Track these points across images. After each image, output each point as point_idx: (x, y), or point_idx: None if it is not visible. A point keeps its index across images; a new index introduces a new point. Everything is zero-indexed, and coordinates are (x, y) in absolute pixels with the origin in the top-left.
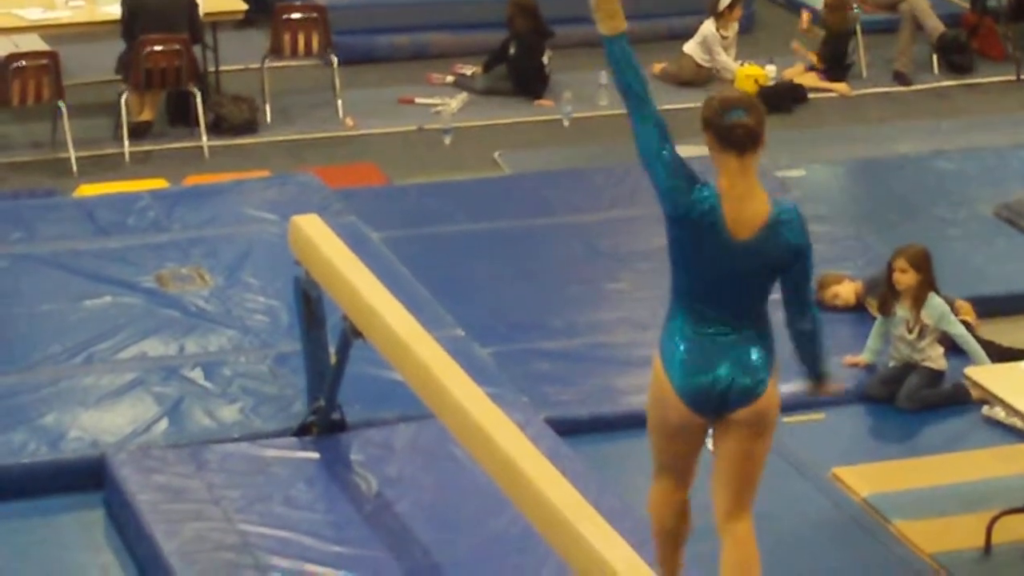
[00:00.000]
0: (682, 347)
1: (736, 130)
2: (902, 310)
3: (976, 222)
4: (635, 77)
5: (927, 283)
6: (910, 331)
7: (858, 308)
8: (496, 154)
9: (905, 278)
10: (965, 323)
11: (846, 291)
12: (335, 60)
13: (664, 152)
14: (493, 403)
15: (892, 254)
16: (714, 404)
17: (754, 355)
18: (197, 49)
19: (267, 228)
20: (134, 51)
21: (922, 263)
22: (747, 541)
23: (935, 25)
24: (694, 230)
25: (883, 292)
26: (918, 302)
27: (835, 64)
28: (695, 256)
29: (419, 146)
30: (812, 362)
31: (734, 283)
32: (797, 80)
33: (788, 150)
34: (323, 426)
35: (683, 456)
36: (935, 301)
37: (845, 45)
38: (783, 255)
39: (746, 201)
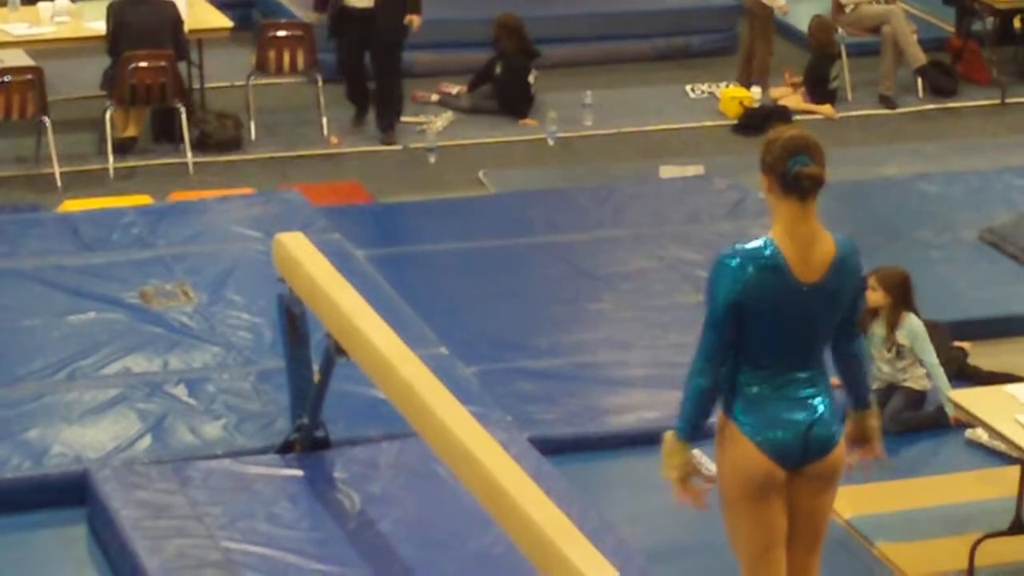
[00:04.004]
0: (760, 405)
1: (803, 181)
2: (880, 328)
3: (960, 245)
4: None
5: (898, 304)
6: (888, 351)
7: None
8: (481, 173)
9: (874, 296)
10: (959, 349)
11: None
12: (320, 78)
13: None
14: (476, 422)
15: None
16: (797, 456)
17: (826, 406)
18: (182, 66)
19: (251, 245)
20: (119, 67)
21: (892, 285)
22: None
23: (915, 55)
24: (760, 285)
25: None
26: (890, 322)
27: (818, 86)
28: (767, 308)
29: (404, 164)
30: (860, 387)
31: (806, 328)
32: (783, 102)
33: None
34: (306, 443)
35: (776, 528)
36: (912, 322)
37: (828, 68)
38: (849, 291)
39: (811, 245)
